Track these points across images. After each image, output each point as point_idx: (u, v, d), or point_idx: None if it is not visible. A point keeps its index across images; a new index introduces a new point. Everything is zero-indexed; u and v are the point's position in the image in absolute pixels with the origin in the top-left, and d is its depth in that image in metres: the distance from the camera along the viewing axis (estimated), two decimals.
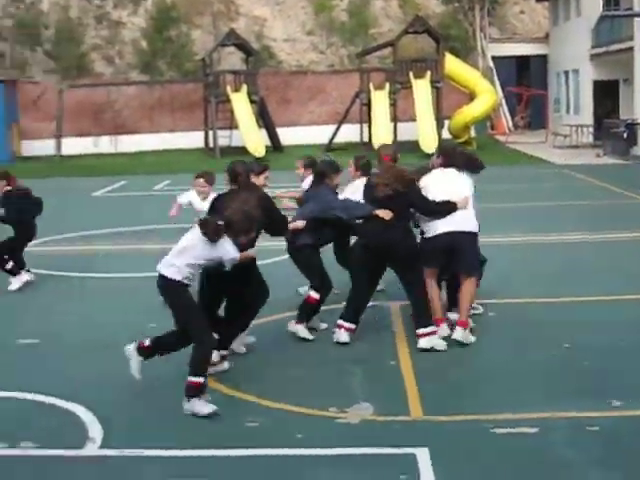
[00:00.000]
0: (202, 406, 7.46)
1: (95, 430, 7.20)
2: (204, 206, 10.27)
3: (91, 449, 6.88)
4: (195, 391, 7.48)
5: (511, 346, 9.38)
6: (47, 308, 11.70)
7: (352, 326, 9.37)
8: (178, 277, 7.67)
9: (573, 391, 7.96)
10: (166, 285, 7.75)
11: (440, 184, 9.45)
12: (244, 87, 37.52)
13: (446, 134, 37.23)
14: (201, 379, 7.49)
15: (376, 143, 34.72)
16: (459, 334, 9.21)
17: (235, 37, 39.98)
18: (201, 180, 11.14)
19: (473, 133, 39.37)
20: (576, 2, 41.76)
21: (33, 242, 15.50)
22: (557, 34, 47.22)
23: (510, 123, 46.56)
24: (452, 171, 9.62)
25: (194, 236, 7.74)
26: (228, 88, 37.47)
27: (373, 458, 6.62)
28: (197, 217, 9.71)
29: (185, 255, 7.70)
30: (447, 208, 9.33)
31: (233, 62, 46.41)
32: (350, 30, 52.41)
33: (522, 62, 49.57)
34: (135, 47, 50.74)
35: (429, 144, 34.06)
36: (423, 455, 6.56)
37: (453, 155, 9.87)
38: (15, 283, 12.61)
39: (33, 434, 7.16)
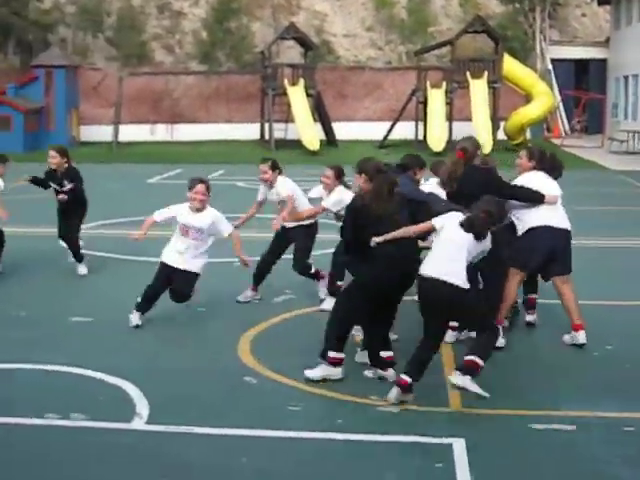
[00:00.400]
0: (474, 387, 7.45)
1: (142, 406, 7.45)
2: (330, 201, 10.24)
3: (138, 424, 7.13)
4: (474, 372, 7.45)
5: (553, 344, 9.47)
6: (100, 289, 12.01)
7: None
8: (465, 285, 7.56)
9: (612, 392, 8.06)
10: (456, 294, 7.48)
11: (532, 185, 9.43)
12: (301, 81, 37.73)
13: (502, 135, 37.17)
14: (482, 363, 7.47)
15: (431, 141, 34.84)
16: (582, 336, 9.29)
17: (295, 31, 40.21)
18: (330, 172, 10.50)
19: (529, 135, 39.24)
20: (638, 7, 41.43)
21: (89, 225, 15.89)
22: (618, 38, 46.84)
23: (566, 126, 46.30)
24: (542, 174, 9.67)
25: (459, 237, 7.60)
26: (285, 81, 37.70)
27: (410, 446, 6.79)
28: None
29: (462, 259, 7.58)
30: (536, 195, 9.29)
31: (291, 56, 46.64)
32: (409, 27, 52.42)
33: (581, 65, 49.22)
34: (195, 37, 51.17)
35: (484, 144, 34.02)
36: (459, 446, 6.72)
37: (542, 159, 9.88)
38: (82, 268, 12.88)
39: (83, 407, 7.43)
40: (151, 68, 47.51)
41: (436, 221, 7.79)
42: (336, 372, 8.12)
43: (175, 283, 10.00)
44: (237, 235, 10.31)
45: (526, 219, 9.36)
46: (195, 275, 10.08)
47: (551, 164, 9.93)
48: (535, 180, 9.55)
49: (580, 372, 8.62)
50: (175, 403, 7.63)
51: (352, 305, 8.07)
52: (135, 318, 9.95)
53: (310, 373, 8.14)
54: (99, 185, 24.97)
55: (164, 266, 10.07)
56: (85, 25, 49.96)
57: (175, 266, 9.98)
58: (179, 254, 10.02)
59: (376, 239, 7.83)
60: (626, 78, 45.03)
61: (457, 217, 7.73)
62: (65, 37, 50.44)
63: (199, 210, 10.17)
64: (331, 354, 8.11)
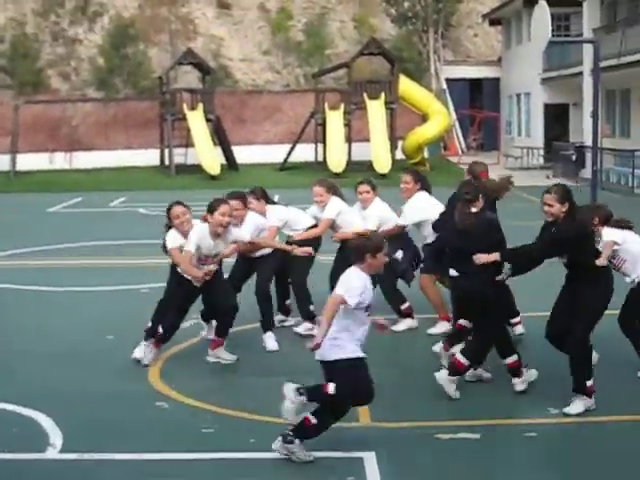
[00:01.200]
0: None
1: (56, 435, 7.47)
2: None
3: (52, 453, 7.15)
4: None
5: None
6: (4, 320, 11.90)
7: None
8: None
9: (514, 400, 8.38)
10: None
11: (427, 204, 10.44)
12: (200, 105, 37.78)
13: (400, 155, 37.77)
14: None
15: (331, 163, 35.20)
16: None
17: (192, 56, 40.26)
18: (320, 189, 10.78)
19: (426, 154, 39.94)
20: (527, 27, 42.61)
21: None
22: (509, 57, 48.07)
23: (463, 144, 47.26)
24: (426, 194, 10.76)
25: None
26: (184, 106, 37.70)
27: (322, 461, 6.95)
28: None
29: None
30: None
31: (189, 81, 46.67)
32: (306, 50, 52.93)
33: (475, 84, 50.36)
34: (91, 64, 50.84)
35: (382, 164, 34.56)
36: (370, 459, 6.93)
37: (423, 180, 11.00)
38: None
39: None
40: (47, 96, 46.99)
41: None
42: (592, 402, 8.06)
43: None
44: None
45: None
46: None
47: (427, 184, 10.83)
48: (426, 200, 10.41)
49: (480, 382, 8.90)
50: (88, 430, 7.66)
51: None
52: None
53: (572, 409, 7.93)
54: None
55: None
56: None
57: None
58: None
59: (602, 261, 8.23)
60: (518, 96, 46.23)
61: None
62: None
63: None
64: (588, 383, 7.99)
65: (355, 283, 6.92)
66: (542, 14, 22.48)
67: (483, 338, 8.49)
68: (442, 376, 8.26)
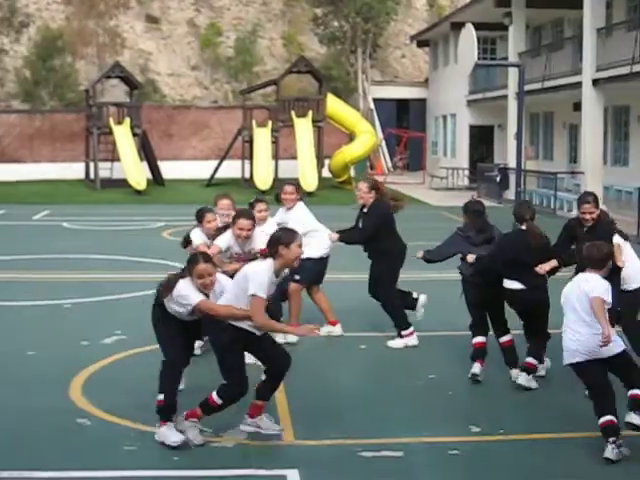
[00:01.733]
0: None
1: None
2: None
3: None
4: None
5: (380, 376, 9.82)
6: None
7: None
8: None
9: (436, 418, 8.45)
10: None
11: None
12: (127, 120, 37.55)
13: (326, 173, 37.93)
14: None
15: (257, 180, 35.21)
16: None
17: (120, 69, 40.02)
18: (263, 205, 10.55)
19: (353, 173, 40.15)
20: (454, 49, 43.20)
21: None
22: (436, 79, 48.67)
23: (389, 164, 47.63)
24: None
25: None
26: (111, 120, 37.43)
27: (245, 479, 6.93)
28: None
29: None
30: None
31: (117, 94, 46.37)
32: (234, 67, 52.92)
33: (402, 105, 50.87)
34: (17, 75, 50.18)
35: (309, 182, 34.67)
36: (293, 476, 6.91)
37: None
38: None
39: None
40: None
41: None
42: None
43: None
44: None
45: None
46: None
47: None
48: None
49: (406, 400, 8.97)
50: (7, 447, 7.53)
51: None
52: None
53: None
54: None
55: None
56: None
57: None
58: None
59: (622, 262, 8.92)
60: (444, 117, 46.80)
61: None
62: None
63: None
64: None
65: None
66: (469, 37, 22.80)
67: (545, 338, 9.40)
68: (524, 377, 9.13)
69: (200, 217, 10.13)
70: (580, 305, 7.35)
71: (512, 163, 30.26)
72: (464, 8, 42.03)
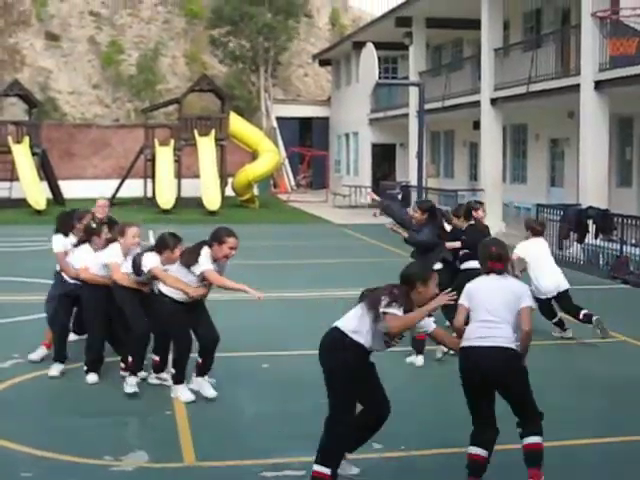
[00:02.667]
0: None
1: None
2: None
3: None
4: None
5: (280, 396, 9.78)
6: None
7: None
8: None
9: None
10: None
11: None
12: (26, 139, 36.94)
13: (230, 191, 37.84)
14: None
15: (160, 199, 34.94)
16: None
17: (18, 87, 39.36)
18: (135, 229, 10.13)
19: (256, 191, 40.14)
20: (356, 68, 43.61)
21: None
22: (339, 97, 49.03)
23: (292, 182, 47.78)
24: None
25: None
26: (10, 139, 36.77)
27: None
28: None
29: None
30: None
31: (15, 113, 45.60)
32: (136, 85, 52.52)
33: (305, 123, 51.12)
34: None
35: (212, 201, 34.54)
36: None
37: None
38: None
39: None
40: None
41: None
42: None
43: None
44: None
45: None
46: None
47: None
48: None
49: (307, 420, 8.95)
50: None
51: None
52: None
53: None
54: None
55: None
56: None
57: None
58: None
59: None
60: (347, 135, 47.17)
61: None
62: None
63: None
64: None
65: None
66: (369, 56, 23.04)
67: None
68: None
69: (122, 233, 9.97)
70: None
71: (414, 181, 30.63)
72: (365, 27, 42.49)
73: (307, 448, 7.99)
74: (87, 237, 10.41)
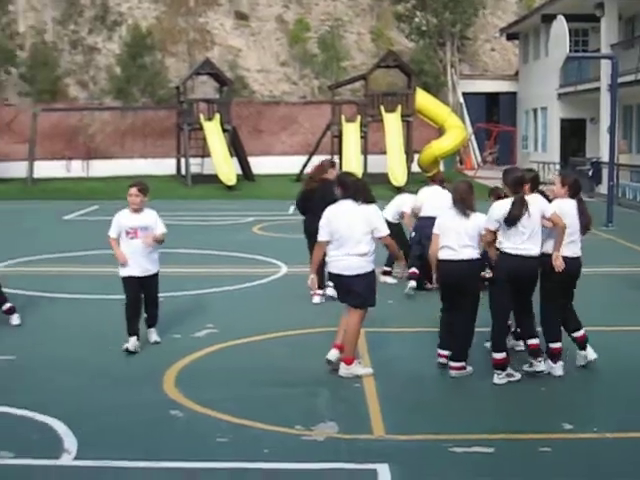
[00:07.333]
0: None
1: (70, 442, 7.48)
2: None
3: (66, 460, 7.16)
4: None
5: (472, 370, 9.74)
6: (20, 326, 11.92)
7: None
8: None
9: (528, 414, 8.37)
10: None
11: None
12: (217, 116, 37.87)
13: (415, 168, 37.77)
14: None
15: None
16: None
17: (210, 66, 40.38)
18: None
19: (442, 168, 39.89)
20: (545, 42, 42.61)
21: (7, 262, 15.86)
22: (526, 72, 48.05)
23: (479, 158, 47.24)
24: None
25: None
26: (201, 116, 37.81)
27: (336, 472, 6.95)
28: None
29: None
30: None
31: (206, 91, 46.82)
32: (322, 62, 53.00)
33: (492, 99, 50.37)
34: (109, 73, 51.02)
35: (398, 177, 34.58)
36: (384, 471, 6.91)
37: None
38: None
39: (10, 445, 7.42)
40: (65, 104, 47.19)
41: None
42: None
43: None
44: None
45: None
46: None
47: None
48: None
49: (496, 396, 8.90)
50: (103, 438, 7.68)
51: None
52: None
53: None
54: (15, 222, 24.83)
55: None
56: None
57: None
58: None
59: None
60: (535, 111, 46.20)
61: None
62: None
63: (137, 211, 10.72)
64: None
65: None
66: (560, 29, 22.50)
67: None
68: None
69: None
70: None
71: (604, 157, 29.77)
72: (555, 0, 41.45)
73: (497, 424, 7.97)
74: None
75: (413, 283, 13.97)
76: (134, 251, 10.50)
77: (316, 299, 13.07)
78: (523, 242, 9.12)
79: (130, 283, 10.46)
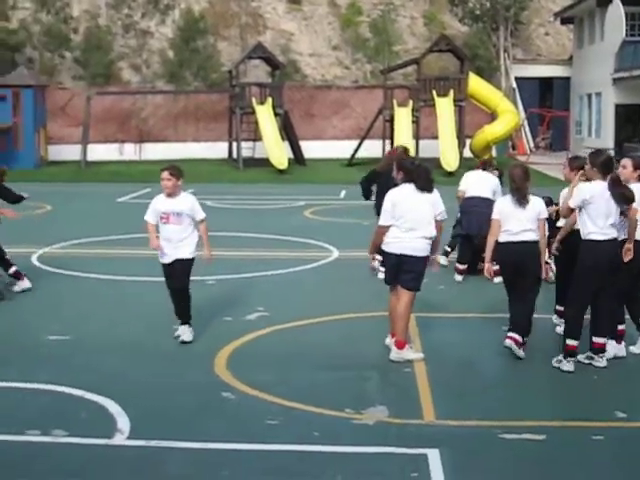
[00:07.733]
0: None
1: (123, 421, 7.58)
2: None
3: (119, 439, 7.26)
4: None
5: (525, 358, 9.68)
6: (75, 308, 12.09)
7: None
8: None
9: (580, 402, 8.32)
10: None
11: None
12: (269, 100, 37.92)
13: (467, 153, 37.55)
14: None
15: None
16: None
17: (262, 50, 40.43)
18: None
19: (494, 153, 39.64)
20: (600, 26, 42.09)
21: (62, 244, 16.05)
22: (581, 57, 47.51)
23: (531, 144, 46.85)
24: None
25: None
26: (253, 100, 37.88)
27: (386, 456, 6.96)
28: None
29: None
30: None
31: (259, 75, 46.87)
32: (374, 47, 52.80)
33: (545, 83, 49.90)
34: (162, 57, 51.25)
35: (450, 162, 34.42)
36: (434, 456, 6.92)
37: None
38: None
39: (64, 423, 7.54)
40: (118, 87, 47.52)
41: None
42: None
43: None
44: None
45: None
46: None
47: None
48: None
49: (548, 382, 8.85)
50: (155, 418, 7.77)
51: None
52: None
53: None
54: (68, 205, 25.10)
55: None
56: (52, 45, 49.92)
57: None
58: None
59: None
60: (589, 96, 45.68)
61: None
62: (32, 57, 50.36)
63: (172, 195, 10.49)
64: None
65: None
66: (616, 13, 22.24)
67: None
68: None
69: None
70: None
71: None
72: None
73: (550, 411, 7.93)
74: None
75: (459, 278, 14.02)
76: (167, 237, 10.25)
77: (381, 270, 12.41)
78: (609, 227, 9.09)
79: (165, 270, 10.44)
